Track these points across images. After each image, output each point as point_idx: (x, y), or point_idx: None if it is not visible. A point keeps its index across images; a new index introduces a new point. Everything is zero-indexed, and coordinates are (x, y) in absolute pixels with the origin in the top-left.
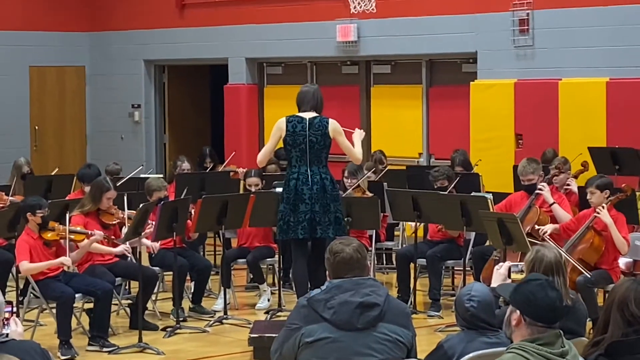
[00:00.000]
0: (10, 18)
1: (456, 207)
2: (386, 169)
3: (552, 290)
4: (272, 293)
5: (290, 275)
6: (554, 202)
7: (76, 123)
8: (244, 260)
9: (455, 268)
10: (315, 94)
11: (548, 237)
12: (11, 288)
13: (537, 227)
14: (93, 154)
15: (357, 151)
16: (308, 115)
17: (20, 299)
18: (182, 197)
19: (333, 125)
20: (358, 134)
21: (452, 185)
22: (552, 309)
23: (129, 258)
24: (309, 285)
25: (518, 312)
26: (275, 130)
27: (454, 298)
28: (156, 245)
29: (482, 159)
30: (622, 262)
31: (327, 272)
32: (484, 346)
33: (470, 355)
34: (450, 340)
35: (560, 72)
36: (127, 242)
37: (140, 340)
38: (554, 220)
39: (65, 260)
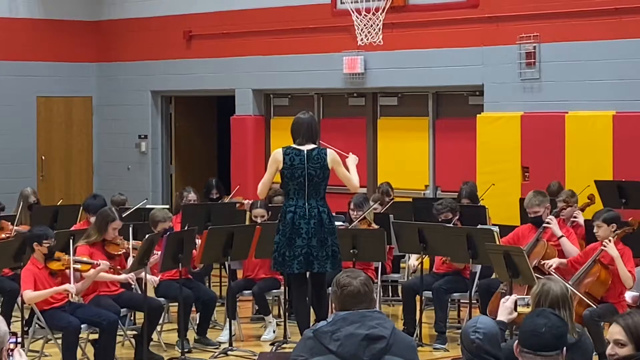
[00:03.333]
0: (18, 48)
1: (462, 239)
2: (392, 201)
3: (542, 317)
4: (277, 325)
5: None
6: (562, 235)
7: (83, 153)
8: (249, 291)
9: (461, 301)
10: (310, 124)
11: (554, 270)
12: (16, 318)
13: (543, 261)
14: (99, 184)
15: (355, 179)
16: (305, 147)
17: (25, 329)
18: (187, 228)
19: (331, 155)
20: (352, 160)
21: (457, 218)
22: (534, 335)
23: (133, 288)
24: (314, 318)
25: (516, 341)
26: (272, 162)
27: (459, 331)
28: (155, 279)
29: (490, 189)
30: (628, 295)
31: (331, 305)
32: None
33: None
34: None
35: (567, 105)
36: (132, 273)
37: None
38: (561, 253)
39: (70, 287)
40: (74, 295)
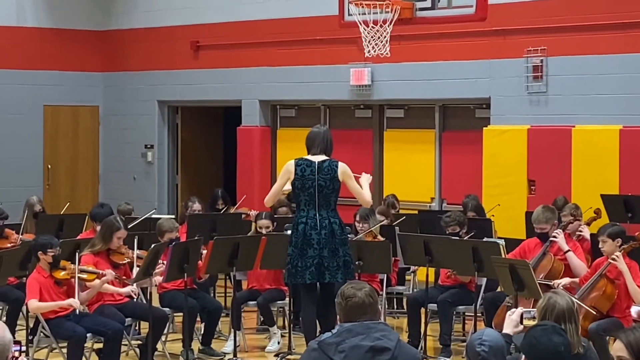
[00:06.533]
0: (26, 57)
1: (468, 252)
2: (398, 213)
3: (556, 335)
4: (282, 336)
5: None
6: (568, 250)
7: (89, 162)
8: (254, 302)
9: (467, 314)
10: (324, 136)
11: (561, 287)
12: (21, 327)
13: (552, 281)
14: (105, 194)
15: (367, 194)
16: (317, 158)
17: (30, 337)
18: (198, 236)
19: (342, 168)
20: (366, 178)
21: (466, 232)
22: (554, 354)
23: (137, 298)
24: (319, 329)
25: (523, 356)
26: (284, 172)
27: (464, 344)
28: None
29: (496, 204)
30: (634, 310)
31: (337, 316)
32: None
33: None
34: None
35: (574, 119)
36: (136, 284)
37: None
38: (567, 267)
39: (74, 302)
40: (78, 308)
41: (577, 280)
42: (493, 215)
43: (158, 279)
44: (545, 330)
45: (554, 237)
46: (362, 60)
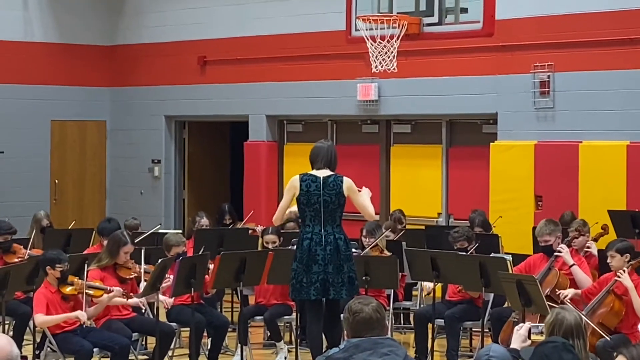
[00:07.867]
0: (33, 72)
1: (475, 268)
2: (405, 229)
3: (567, 352)
4: (289, 351)
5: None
6: (573, 264)
7: (96, 177)
8: (261, 317)
9: (473, 329)
10: (329, 151)
11: (569, 300)
12: (28, 341)
13: (557, 291)
14: (112, 209)
15: (371, 208)
16: (322, 173)
17: (37, 352)
18: (200, 253)
19: (347, 183)
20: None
21: (473, 247)
22: None
23: (145, 311)
24: (326, 344)
25: None
26: (289, 188)
27: (471, 359)
28: (169, 300)
29: (503, 217)
30: None
31: (344, 332)
32: None
33: None
34: None
35: (581, 134)
36: (144, 297)
37: None
38: (573, 282)
39: (81, 314)
40: (85, 321)
41: (579, 291)
42: (495, 226)
43: (165, 299)
44: (556, 348)
45: (559, 251)
46: (369, 75)
